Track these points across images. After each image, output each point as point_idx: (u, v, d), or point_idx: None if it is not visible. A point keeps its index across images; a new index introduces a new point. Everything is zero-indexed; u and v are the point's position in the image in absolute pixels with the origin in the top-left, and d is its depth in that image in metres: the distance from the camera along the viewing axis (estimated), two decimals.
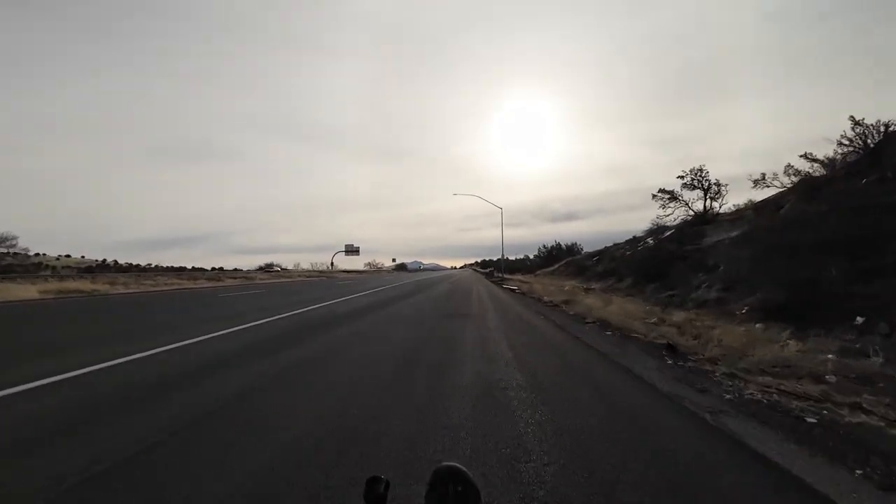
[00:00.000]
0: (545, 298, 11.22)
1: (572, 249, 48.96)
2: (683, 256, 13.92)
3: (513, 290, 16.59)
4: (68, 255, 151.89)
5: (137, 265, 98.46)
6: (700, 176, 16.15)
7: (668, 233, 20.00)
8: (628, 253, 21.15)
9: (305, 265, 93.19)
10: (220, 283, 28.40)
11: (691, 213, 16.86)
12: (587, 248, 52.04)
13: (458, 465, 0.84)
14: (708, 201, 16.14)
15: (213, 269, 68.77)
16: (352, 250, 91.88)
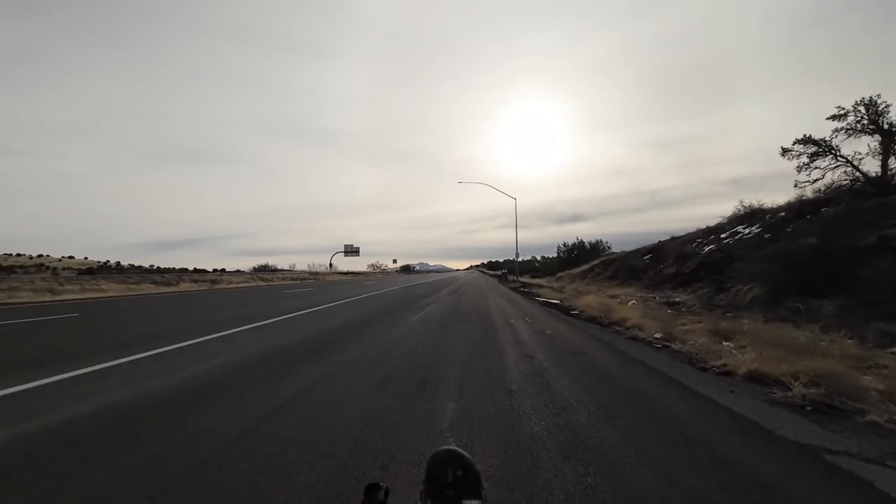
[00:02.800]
0: (694, 350, 4.55)
1: (597, 248, 42.36)
2: (891, 247, 7.49)
3: (566, 312, 9.96)
4: (71, 257, 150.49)
5: (139, 266, 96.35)
6: (875, 112, 9.50)
7: (777, 215, 13.55)
8: (715, 250, 14.69)
9: (303, 266, 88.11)
10: (172, 289, 22.43)
11: (858, 175, 10.21)
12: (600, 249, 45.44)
13: (456, 448, 0.81)
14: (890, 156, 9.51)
15: (215, 270, 68.51)
16: (351, 251, 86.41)
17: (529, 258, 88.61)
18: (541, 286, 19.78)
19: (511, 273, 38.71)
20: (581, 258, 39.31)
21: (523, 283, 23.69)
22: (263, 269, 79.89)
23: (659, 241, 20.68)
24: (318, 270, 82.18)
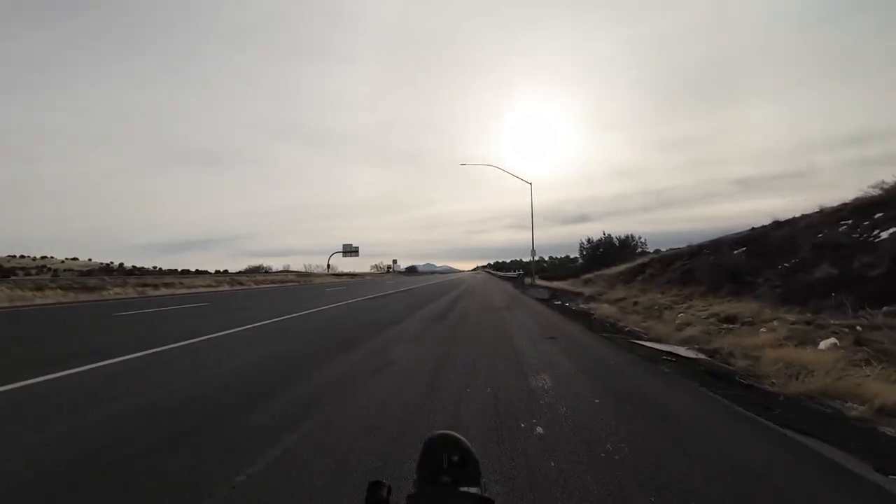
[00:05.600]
0: None
1: (627, 244, 36.00)
2: None
3: None
4: (75, 258, 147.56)
5: (142, 268, 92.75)
6: None
7: None
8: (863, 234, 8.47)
9: (299, 267, 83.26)
10: (88, 297, 16.78)
11: None
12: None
13: (452, 432, 0.72)
14: None
15: (217, 271, 68.49)
16: (350, 251, 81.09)
17: (538, 258, 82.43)
18: (594, 297, 13.47)
19: (528, 275, 32.41)
20: (609, 256, 32.99)
21: (551, 288, 17.53)
22: (256, 271, 75.51)
23: (752, 228, 14.44)
24: (314, 271, 77.08)
